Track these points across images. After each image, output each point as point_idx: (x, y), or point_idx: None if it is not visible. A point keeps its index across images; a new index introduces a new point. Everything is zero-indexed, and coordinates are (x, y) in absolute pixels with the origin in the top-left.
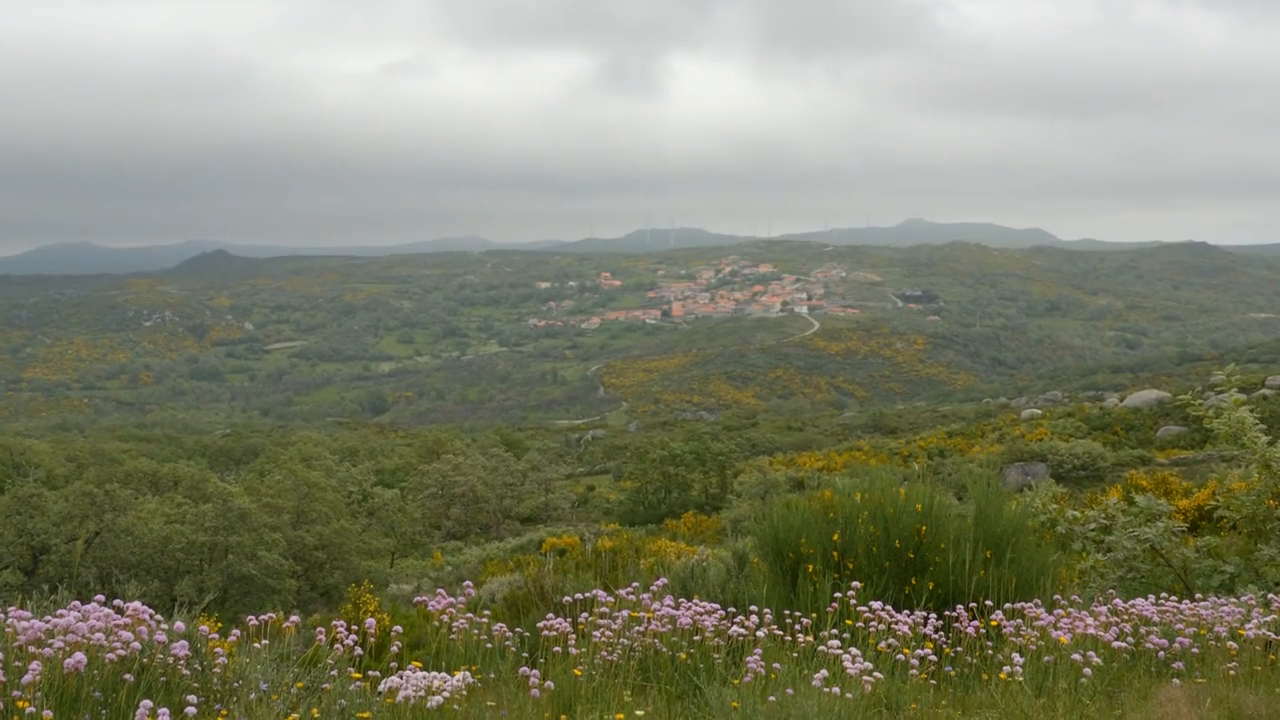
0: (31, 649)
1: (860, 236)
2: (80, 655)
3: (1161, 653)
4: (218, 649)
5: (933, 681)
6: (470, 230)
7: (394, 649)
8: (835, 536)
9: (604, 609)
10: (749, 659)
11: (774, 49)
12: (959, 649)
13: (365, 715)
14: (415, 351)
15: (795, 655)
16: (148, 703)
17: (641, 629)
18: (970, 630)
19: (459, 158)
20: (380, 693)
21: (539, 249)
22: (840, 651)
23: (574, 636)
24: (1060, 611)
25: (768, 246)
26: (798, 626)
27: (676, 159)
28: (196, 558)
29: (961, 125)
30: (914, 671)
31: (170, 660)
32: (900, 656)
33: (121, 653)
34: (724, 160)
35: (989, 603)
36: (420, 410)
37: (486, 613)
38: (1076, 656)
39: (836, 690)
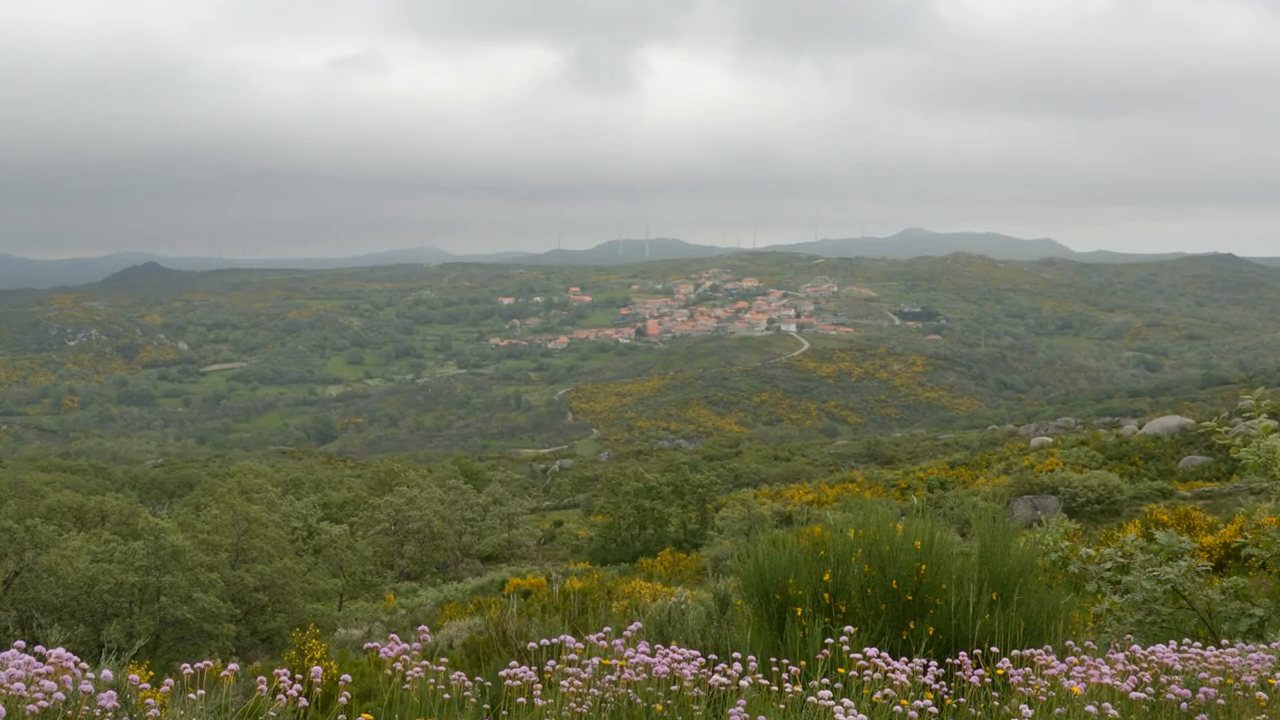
0: None
1: (853, 248)
2: None
3: (1184, 704)
4: (149, 700)
5: None
6: (426, 241)
7: (342, 700)
8: (826, 577)
9: (573, 656)
10: (732, 711)
11: (758, 43)
12: (962, 700)
13: None
14: (365, 374)
15: (782, 707)
16: None
17: (614, 678)
18: (974, 679)
19: (414, 162)
20: None
21: (501, 261)
22: (832, 703)
23: (539, 686)
24: (1073, 659)
25: (752, 259)
26: (785, 675)
27: (652, 163)
28: (126, 600)
29: (964, 126)
30: None
31: (97, 712)
32: (898, 708)
33: (44, 704)
34: (704, 164)
35: (995, 649)
36: (371, 438)
37: (444, 660)
38: (1091, 708)
39: None
